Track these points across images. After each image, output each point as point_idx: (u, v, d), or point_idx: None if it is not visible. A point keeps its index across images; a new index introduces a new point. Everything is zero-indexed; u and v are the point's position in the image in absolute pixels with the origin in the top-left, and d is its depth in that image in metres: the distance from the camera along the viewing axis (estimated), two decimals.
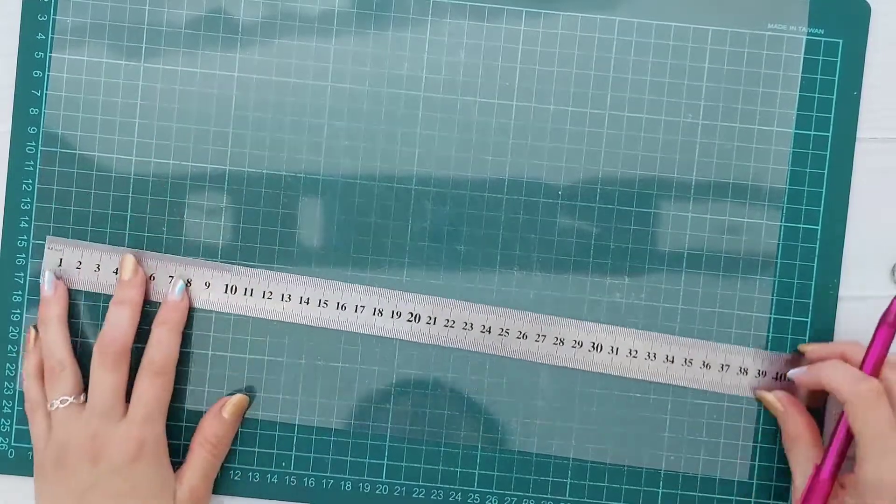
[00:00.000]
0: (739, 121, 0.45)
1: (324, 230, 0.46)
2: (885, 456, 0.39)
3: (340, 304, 0.45)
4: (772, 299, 0.46)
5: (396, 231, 0.46)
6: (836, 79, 0.45)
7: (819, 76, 0.45)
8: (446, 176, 0.46)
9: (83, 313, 0.46)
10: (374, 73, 0.46)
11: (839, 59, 0.45)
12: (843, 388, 0.40)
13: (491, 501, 0.46)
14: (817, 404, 0.45)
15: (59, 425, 0.43)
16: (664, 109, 0.46)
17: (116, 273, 0.45)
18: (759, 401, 0.45)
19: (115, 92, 0.46)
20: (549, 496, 0.46)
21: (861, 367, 0.42)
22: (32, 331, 0.45)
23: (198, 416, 0.46)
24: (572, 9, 0.45)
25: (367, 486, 0.46)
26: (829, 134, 0.45)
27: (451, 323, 0.45)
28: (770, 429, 0.46)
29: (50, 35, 0.46)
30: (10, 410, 0.46)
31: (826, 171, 0.46)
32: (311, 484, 0.46)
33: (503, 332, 0.45)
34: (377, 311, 0.45)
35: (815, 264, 0.46)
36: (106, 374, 0.43)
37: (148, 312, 0.45)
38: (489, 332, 0.45)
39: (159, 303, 0.45)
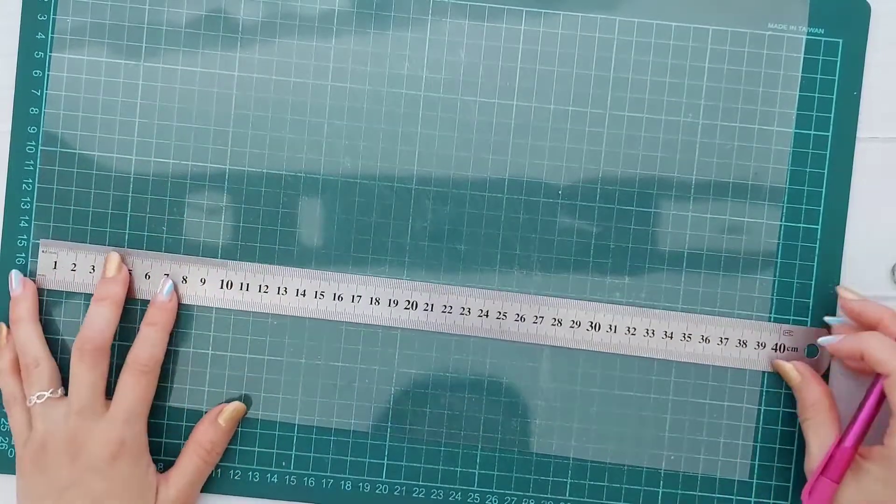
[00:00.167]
0: (739, 120, 0.45)
1: (324, 229, 0.46)
2: None
3: (337, 295, 0.45)
4: (772, 299, 0.46)
5: (397, 230, 0.46)
6: (836, 78, 0.45)
7: (819, 76, 0.45)
8: (446, 175, 0.46)
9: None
10: (375, 73, 0.46)
11: (839, 58, 0.45)
12: (888, 361, 0.40)
13: (491, 501, 0.46)
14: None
15: (38, 421, 0.43)
16: (664, 109, 0.46)
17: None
18: (776, 370, 0.45)
19: (115, 91, 0.46)
20: (549, 496, 0.46)
21: None
22: (3, 328, 0.45)
23: (197, 415, 0.46)
24: (572, 8, 0.45)
25: (367, 486, 0.46)
26: (829, 133, 0.46)
27: (448, 308, 0.45)
28: (770, 428, 0.46)
29: (50, 35, 0.46)
30: None
31: (826, 171, 0.46)
32: (311, 484, 0.46)
33: (501, 316, 0.45)
34: (374, 301, 0.45)
35: (815, 264, 0.46)
36: (85, 371, 0.43)
37: (133, 310, 0.45)
38: (486, 315, 0.45)
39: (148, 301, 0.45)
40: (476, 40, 0.46)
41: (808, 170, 0.46)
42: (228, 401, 0.46)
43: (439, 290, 0.45)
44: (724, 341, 0.45)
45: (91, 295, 0.45)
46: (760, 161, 0.46)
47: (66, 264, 0.45)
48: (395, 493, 0.46)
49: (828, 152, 0.46)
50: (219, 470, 0.46)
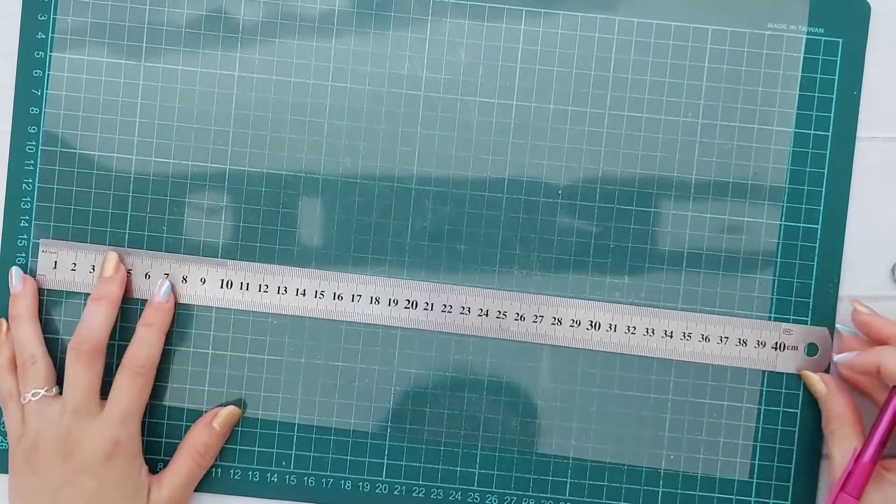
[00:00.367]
0: (739, 120, 0.45)
1: (324, 229, 0.46)
2: None
3: (337, 295, 0.45)
4: (772, 298, 0.46)
5: (397, 230, 0.46)
6: (836, 78, 0.45)
7: (819, 75, 0.45)
8: (446, 175, 0.46)
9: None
10: (375, 73, 0.46)
11: (839, 58, 0.45)
12: None
13: (491, 500, 0.46)
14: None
15: (32, 419, 0.43)
16: (664, 109, 0.46)
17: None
18: (803, 380, 0.45)
19: (115, 91, 0.46)
20: (549, 495, 0.46)
21: None
22: (3, 324, 0.45)
23: (197, 415, 0.46)
24: (572, 8, 0.46)
25: (367, 486, 0.46)
26: (829, 133, 0.46)
27: (448, 308, 0.45)
28: (770, 428, 0.46)
29: (50, 34, 0.46)
30: None
31: (826, 171, 0.46)
32: (311, 483, 0.46)
33: (501, 315, 0.45)
34: (374, 300, 0.45)
35: (815, 264, 0.46)
36: (80, 371, 0.43)
37: (133, 310, 0.45)
38: (486, 315, 0.45)
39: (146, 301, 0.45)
40: (476, 40, 0.46)
41: (808, 169, 0.46)
42: (226, 403, 0.46)
43: (439, 289, 0.45)
44: (723, 340, 0.45)
45: (88, 294, 0.45)
46: (760, 161, 0.46)
47: (66, 264, 0.45)
48: (395, 492, 0.46)
49: (828, 152, 0.46)
50: (219, 470, 0.46)
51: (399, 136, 0.46)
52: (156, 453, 0.46)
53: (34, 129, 0.46)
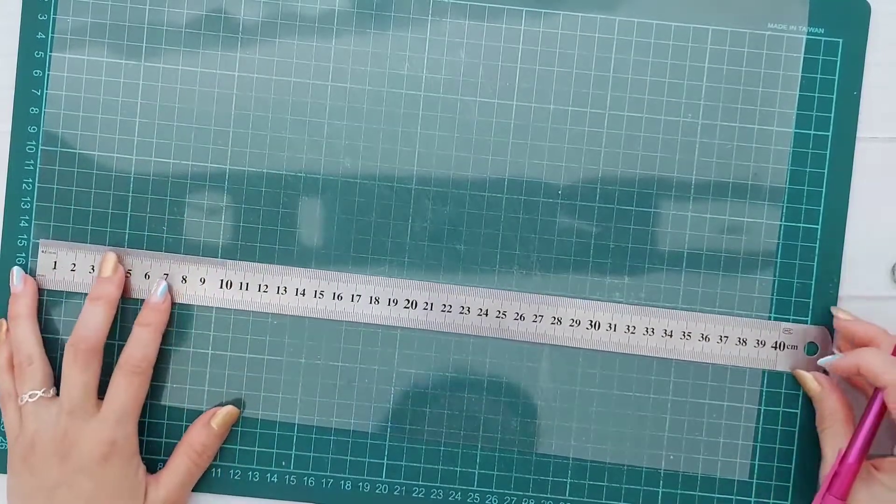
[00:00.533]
0: (739, 120, 0.45)
1: (324, 229, 0.46)
2: None
3: (337, 294, 0.45)
4: (772, 299, 0.46)
5: (396, 230, 0.46)
6: (836, 78, 0.45)
7: (819, 76, 0.45)
8: (446, 175, 0.46)
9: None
10: (375, 73, 0.46)
11: (839, 58, 0.45)
12: (885, 373, 0.40)
13: (490, 501, 0.46)
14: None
15: (29, 419, 0.43)
16: (664, 109, 0.46)
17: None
18: (797, 379, 0.45)
19: (115, 91, 0.46)
20: (549, 495, 0.46)
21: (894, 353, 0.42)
22: (3, 324, 0.45)
23: (197, 415, 0.46)
24: (572, 8, 0.46)
25: (367, 486, 0.46)
26: (829, 133, 0.46)
27: (448, 307, 0.45)
28: (770, 428, 0.46)
29: (50, 34, 0.46)
30: None
31: (826, 171, 0.46)
32: (311, 483, 0.46)
33: (500, 314, 0.45)
34: (374, 300, 0.45)
35: (815, 264, 0.46)
36: (77, 371, 0.43)
37: (132, 310, 0.45)
38: (486, 314, 0.45)
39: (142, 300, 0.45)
40: (476, 40, 0.46)
41: (808, 170, 0.46)
42: (225, 403, 0.46)
43: (439, 288, 0.45)
44: (723, 339, 0.45)
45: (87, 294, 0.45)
46: (760, 161, 0.46)
47: (65, 264, 0.45)
48: (395, 492, 0.46)
49: (828, 152, 0.46)
50: (219, 470, 0.46)
51: (399, 136, 0.46)
52: (155, 453, 0.46)
53: (34, 129, 0.46)
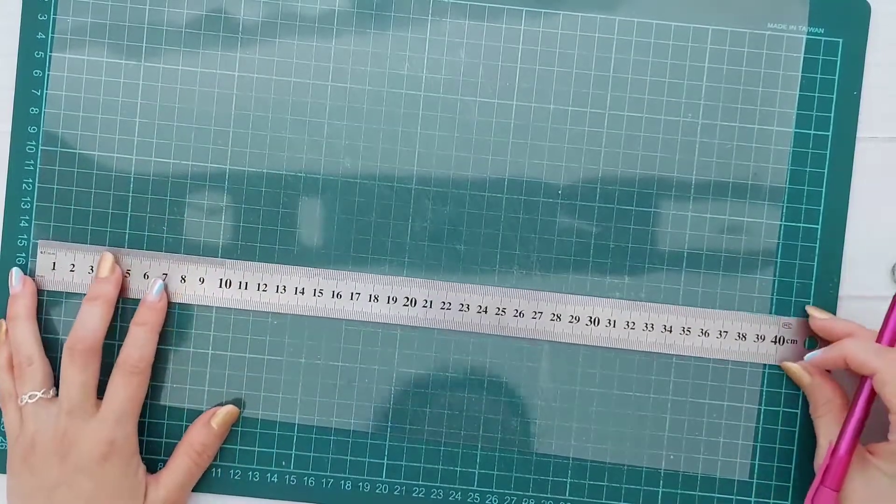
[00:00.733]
0: (739, 120, 0.45)
1: (324, 229, 0.46)
2: None
3: (336, 293, 0.45)
4: (772, 299, 0.46)
5: (396, 230, 0.46)
6: (836, 78, 0.45)
7: (819, 75, 0.45)
8: (446, 175, 0.46)
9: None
10: (375, 73, 0.46)
11: (839, 58, 0.45)
12: (871, 360, 0.41)
13: (491, 501, 0.46)
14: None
15: (29, 420, 0.43)
16: (664, 109, 0.46)
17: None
18: (785, 372, 0.45)
19: (115, 91, 0.46)
20: (549, 495, 0.46)
21: (878, 341, 0.42)
22: (2, 324, 0.45)
23: (197, 415, 0.46)
24: (572, 8, 0.46)
25: (367, 486, 0.46)
26: (829, 133, 0.46)
27: (447, 305, 0.45)
28: (770, 428, 0.46)
29: (50, 34, 0.46)
30: None
31: (826, 171, 0.46)
32: (311, 483, 0.46)
33: (500, 312, 0.45)
34: (373, 298, 0.45)
35: (815, 264, 0.46)
36: (75, 371, 0.43)
37: (132, 310, 0.45)
38: (485, 311, 0.45)
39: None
40: (476, 40, 0.46)
41: (808, 170, 0.46)
42: (225, 403, 0.46)
43: (438, 286, 0.45)
44: (723, 334, 0.45)
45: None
46: (760, 161, 0.46)
47: (64, 265, 0.45)
48: (395, 492, 0.46)
49: (828, 152, 0.46)
50: (219, 470, 0.46)
51: (399, 136, 0.46)
52: (155, 453, 0.46)
53: (34, 129, 0.46)
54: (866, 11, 0.46)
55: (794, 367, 0.45)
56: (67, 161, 0.46)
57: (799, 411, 0.46)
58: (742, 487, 0.46)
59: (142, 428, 0.45)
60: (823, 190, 0.46)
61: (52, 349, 0.45)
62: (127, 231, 0.46)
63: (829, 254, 0.46)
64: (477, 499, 0.46)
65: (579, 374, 0.46)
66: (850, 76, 0.45)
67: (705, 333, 0.45)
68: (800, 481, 0.46)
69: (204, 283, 0.45)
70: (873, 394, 0.41)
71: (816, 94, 0.45)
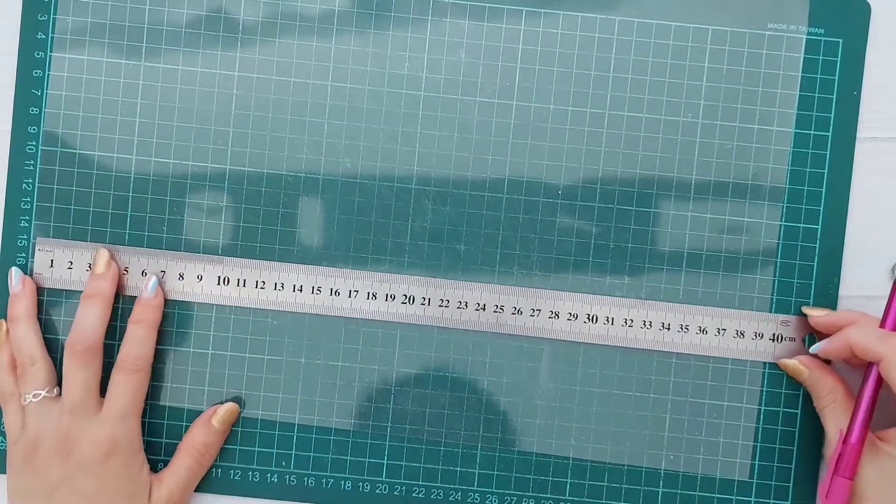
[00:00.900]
0: (739, 120, 0.45)
1: (324, 229, 0.46)
2: None
3: (334, 290, 0.45)
4: (772, 299, 0.46)
5: (396, 230, 0.46)
6: (836, 78, 0.45)
7: (819, 76, 0.45)
8: (446, 175, 0.46)
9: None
10: (375, 73, 0.46)
11: (839, 58, 0.45)
12: (876, 346, 0.41)
13: (491, 501, 0.46)
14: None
15: (32, 419, 0.43)
16: (664, 109, 0.46)
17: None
18: (783, 370, 0.45)
19: (115, 91, 0.46)
20: (549, 495, 0.46)
21: (881, 327, 0.42)
22: (2, 325, 0.45)
23: (197, 415, 0.46)
24: (572, 8, 0.46)
25: (367, 486, 0.46)
26: (829, 133, 0.46)
27: (445, 302, 0.45)
28: (770, 428, 0.46)
29: (50, 34, 0.46)
30: None
31: (826, 171, 0.46)
32: (311, 483, 0.46)
33: (498, 309, 0.45)
34: (371, 295, 0.45)
35: (815, 264, 0.46)
36: (77, 370, 0.43)
37: (129, 309, 0.45)
38: (484, 309, 0.45)
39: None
40: (476, 40, 0.46)
41: (808, 170, 0.46)
42: (224, 401, 0.46)
43: (436, 283, 0.45)
44: (721, 332, 0.45)
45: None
46: (760, 161, 0.46)
47: (62, 262, 0.45)
48: (395, 492, 0.46)
49: (828, 152, 0.46)
50: (219, 470, 0.46)
51: (399, 136, 0.46)
52: (156, 453, 0.46)
53: (34, 129, 0.46)
54: (866, 11, 0.46)
55: (791, 363, 0.45)
56: (67, 161, 0.46)
57: (799, 411, 0.46)
58: (742, 487, 0.46)
59: (142, 428, 0.45)
60: (823, 190, 0.46)
61: (52, 349, 0.45)
62: (127, 231, 0.46)
63: (829, 254, 0.46)
64: (477, 499, 0.46)
65: (579, 374, 0.46)
66: (850, 76, 0.45)
67: (703, 331, 0.45)
68: (800, 481, 0.46)
69: (202, 281, 0.45)
70: (880, 380, 0.41)
71: (816, 95, 0.45)
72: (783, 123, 0.45)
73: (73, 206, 0.46)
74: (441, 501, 0.46)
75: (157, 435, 0.46)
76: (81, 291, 0.45)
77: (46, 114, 0.46)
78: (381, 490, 0.46)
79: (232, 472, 0.46)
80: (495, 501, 0.46)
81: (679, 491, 0.46)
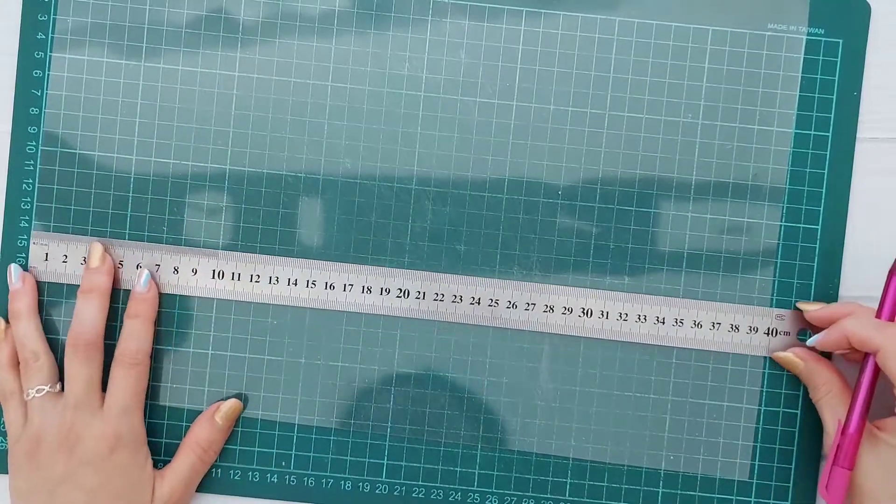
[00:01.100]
0: (739, 121, 0.45)
1: (324, 229, 0.46)
2: None
3: (329, 284, 0.45)
4: (772, 299, 0.46)
5: (396, 230, 0.46)
6: (836, 79, 0.45)
7: (819, 76, 0.45)
8: (446, 176, 0.46)
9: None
10: (375, 73, 0.46)
11: (839, 59, 0.45)
12: (873, 336, 0.41)
13: (491, 501, 0.46)
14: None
15: (36, 414, 0.43)
16: (664, 109, 0.46)
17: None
18: (778, 363, 0.45)
19: (115, 91, 0.46)
20: (549, 496, 0.46)
21: (877, 317, 0.42)
22: (2, 321, 0.45)
23: (197, 415, 0.46)
24: (572, 9, 0.46)
25: (367, 486, 0.46)
26: (829, 134, 0.46)
27: (440, 296, 0.45)
28: (770, 428, 0.46)
29: (50, 35, 0.46)
30: None
31: (826, 171, 0.46)
32: (311, 484, 0.46)
33: (493, 303, 0.45)
34: (366, 289, 0.45)
35: (815, 264, 0.46)
36: (79, 366, 0.43)
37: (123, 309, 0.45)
38: (478, 303, 0.45)
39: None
40: (476, 40, 0.46)
41: (808, 170, 0.46)
42: (227, 397, 0.46)
43: (431, 277, 0.45)
44: (716, 326, 0.45)
45: (78, 286, 0.45)
46: (760, 161, 0.46)
47: (57, 256, 0.45)
48: (395, 493, 0.46)
49: (828, 152, 0.46)
50: (219, 470, 0.46)
51: (399, 136, 0.46)
52: (156, 453, 0.46)
53: (34, 129, 0.46)
54: (866, 12, 0.46)
55: (786, 355, 0.45)
56: (67, 161, 0.46)
57: (799, 412, 0.46)
58: (742, 488, 0.46)
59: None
60: (823, 190, 0.46)
61: (53, 347, 0.45)
62: (127, 231, 0.46)
63: (829, 254, 0.46)
64: (477, 499, 0.46)
65: (579, 375, 0.46)
66: (850, 77, 0.45)
67: (698, 325, 0.45)
68: (800, 481, 0.46)
69: (196, 275, 0.45)
70: (877, 370, 0.41)
71: (816, 95, 0.45)
72: (783, 124, 0.45)
73: (73, 207, 0.46)
74: (441, 501, 0.46)
75: (158, 435, 0.46)
76: (76, 285, 0.45)
77: (46, 114, 0.46)
78: (381, 490, 0.46)
79: (232, 472, 0.46)
80: (495, 501, 0.46)
81: (679, 491, 0.46)
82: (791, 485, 0.46)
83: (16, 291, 0.45)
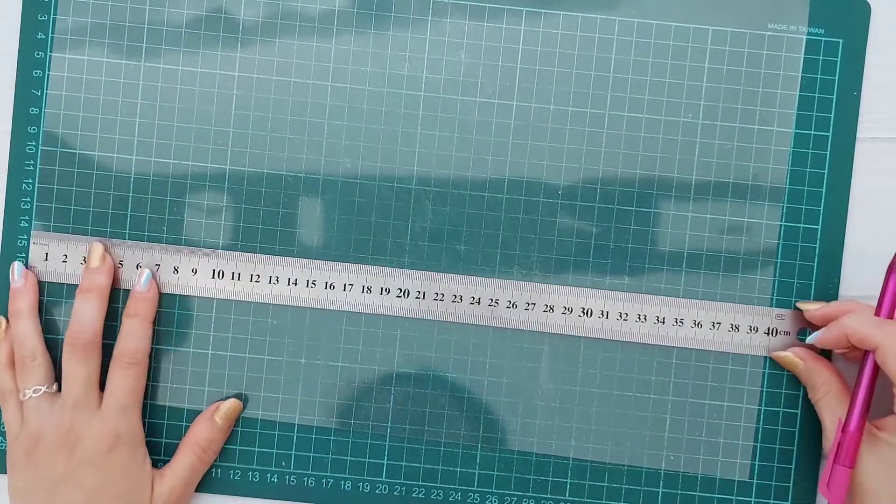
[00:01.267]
0: (739, 120, 0.45)
1: (324, 229, 0.46)
2: None
3: (329, 284, 0.45)
4: (772, 299, 0.46)
5: (396, 230, 0.46)
6: (836, 79, 0.45)
7: (819, 76, 0.45)
8: (446, 175, 0.46)
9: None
10: (375, 73, 0.46)
11: (839, 59, 0.45)
12: (872, 334, 0.41)
13: (491, 501, 0.46)
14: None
15: (32, 415, 0.43)
16: (664, 109, 0.46)
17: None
18: (777, 362, 0.45)
19: (115, 91, 0.46)
20: (549, 496, 0.46)
21: (876, 314, 0.42)
22: (2, 320, 0.45)
23: (197, 415, 0.46)
24: (572, 9, 0.46)
25: (367, 486, 0.46)
26: (830, 134, 0.46)
27: (440, 296, 0.45)
28: (770, 428, 0.46)
29: (50, 34, 0.46)
30: None
31: (826, 171, 0.46)
32: (311, 484, 0.46)
33: (493, 303, 0.45)
34: (366, 289, 0.45)
35: (815, 264, 0.46)
36: (77, 365, 0.43)
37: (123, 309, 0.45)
38: (478, 302, 0.45)
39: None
40: (476, 40, 0.46)
41: (808, 170, 0.46)
42: (227, 397, 0.46)
43: (431, 277, 0.45)
44: (716, 325, 0.45)
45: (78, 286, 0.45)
46: (760, 161, 0.46)
47: (57, 255, 0.45)
48: (395, 493, 0.46)
49: (828, 152, 0.46)
50: (219, 470, 0.46)
51: (399, 136, 0.46)
52: (156, 453, 0.46)
53: (34, 129, 0.46)
54: (866, 11, 0.46)
55: (786, 355, 0.45)
56: (67, 161, 0.46)
57: (799, 412, 0.46)
58: (742, 488, 0.46)
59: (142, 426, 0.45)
60: (823, 190, 0.46)
61: (51, 346, 0.45)
62: (127, 231, 0.46)
63: (829, 254, 0.46)
64: (477, 499, 0.46)
65: (579, 375, 0.46)
66: (850, 77, 0.45)
67: (698, 325, 0.45)
68: (800, 481, 0.46)
69: (196, 274, 0.45)
70: (877, 368, 0.41)
71: (816, 95, 0.45)
72: (783, 124, 0.45)
73: (73, 207, 0.46)
74: (441, 502, 0.46)
75: (157, 435, 0.46)
76: (76, 285, 0.45)
77: (46, 114, 0.46)
78: (381, 490, 0.46)
79: (232, 472, 0.46)
80: (495, 502, 0.46)
81: (679, 491, 0.46)
82: (791, 485, 0.46)
83: (17, 290, 0.45)
